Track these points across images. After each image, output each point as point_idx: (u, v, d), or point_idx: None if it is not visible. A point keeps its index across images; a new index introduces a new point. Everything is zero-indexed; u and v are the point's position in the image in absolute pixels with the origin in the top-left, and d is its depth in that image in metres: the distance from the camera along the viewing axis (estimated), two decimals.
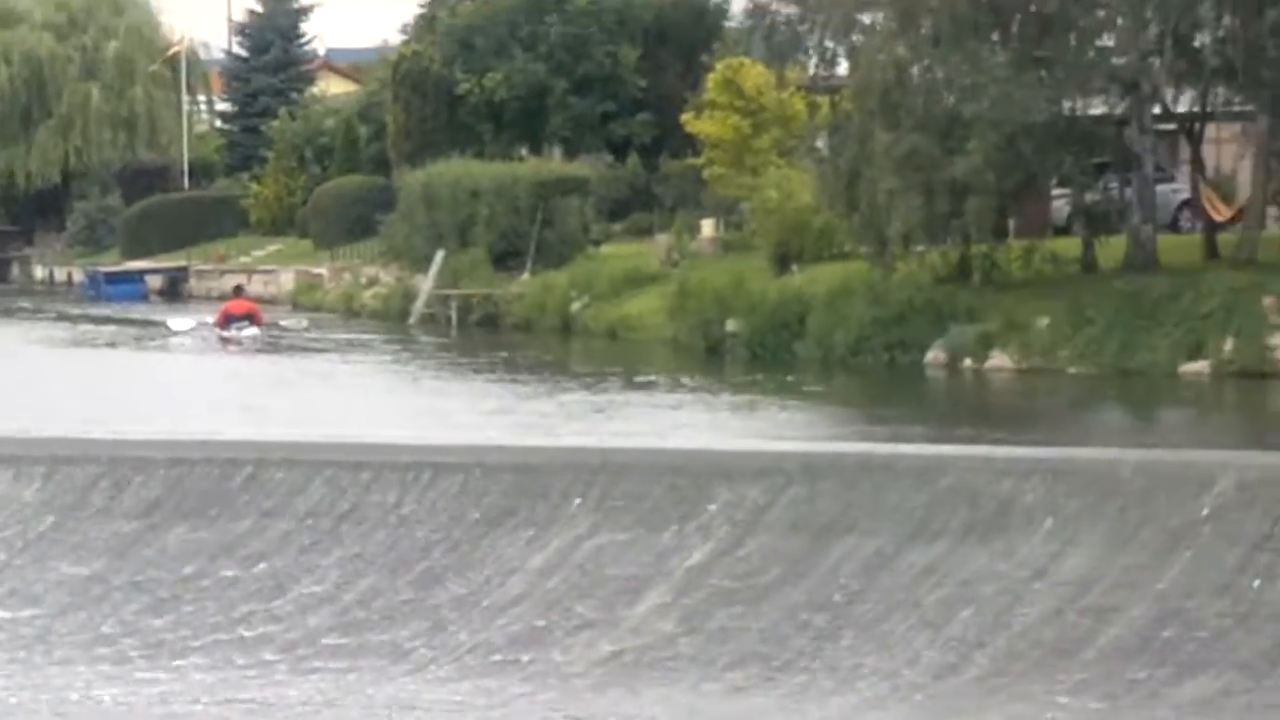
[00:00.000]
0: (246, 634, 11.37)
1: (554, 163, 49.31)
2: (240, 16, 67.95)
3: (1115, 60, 33.07)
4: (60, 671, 11.31)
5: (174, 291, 55.53)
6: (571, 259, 42.59)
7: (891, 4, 33.48)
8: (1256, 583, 9.76)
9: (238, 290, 46.51)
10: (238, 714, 10.73)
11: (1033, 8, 32.94)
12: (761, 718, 9.96)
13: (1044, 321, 31.16)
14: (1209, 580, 9.94)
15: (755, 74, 42.02)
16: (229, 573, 11.72)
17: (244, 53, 66.81)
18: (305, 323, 46.77)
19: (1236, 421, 28.77)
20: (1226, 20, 32.29)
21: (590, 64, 50.67)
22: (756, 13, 37.58)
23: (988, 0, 31.93)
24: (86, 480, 12.93)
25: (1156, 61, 32.85)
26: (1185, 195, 36.45)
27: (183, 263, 56.81)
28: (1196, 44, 32.80)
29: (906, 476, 11.75)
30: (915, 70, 32.96)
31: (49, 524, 12.44)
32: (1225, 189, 36.20)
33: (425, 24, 54.83)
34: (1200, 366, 29.46)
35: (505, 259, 43.29)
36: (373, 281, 49.16)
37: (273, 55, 65.33)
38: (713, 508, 11.25)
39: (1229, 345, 29.32)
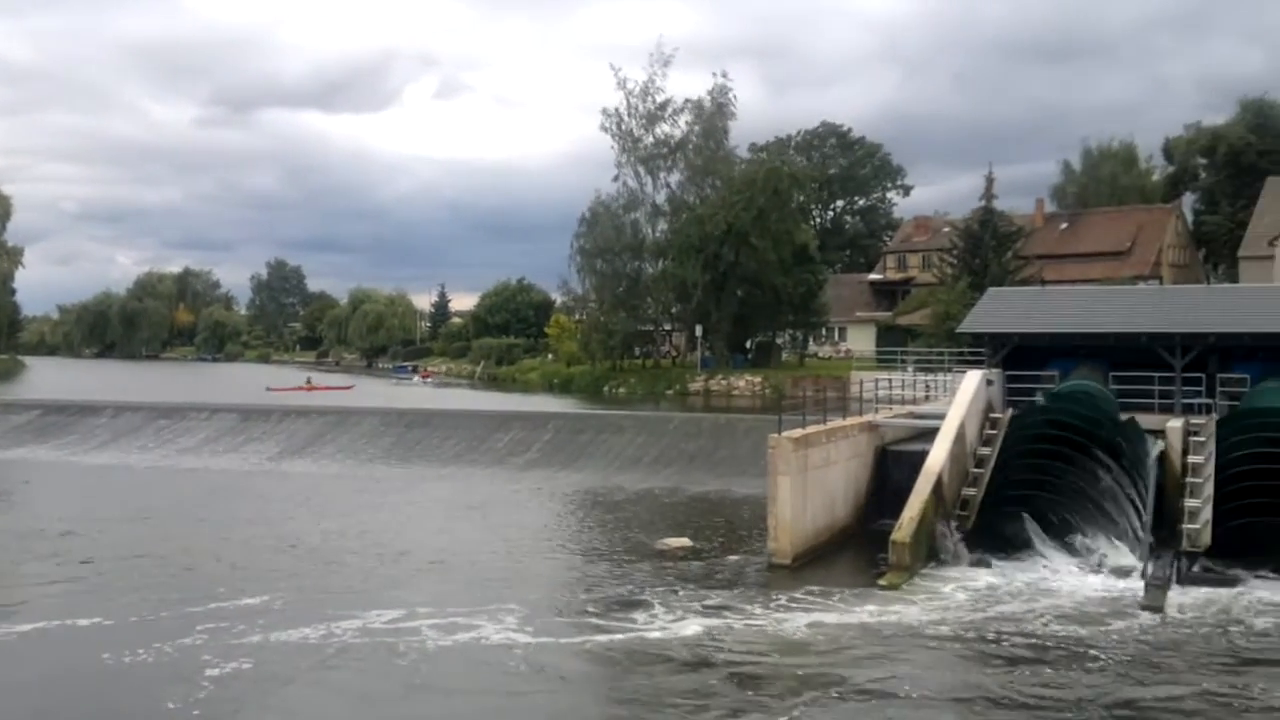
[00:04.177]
0: (479, 460, 35.18)
1: (509, 339, 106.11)
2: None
3: (654, 315, 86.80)
4: (374, 466, 35.73)
5: (413, 370, 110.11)
6: (516, 363, 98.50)
7: (594, 295, 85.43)
8: (641, 440, 34.50)
9: (427, 371, 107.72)
10: (488, 487, 30.36)
11: (631, 305, 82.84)
12: (553, 477, 32.56)
13: (633, 380, 76.62)
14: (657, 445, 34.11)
15: (562, 319, 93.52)
16: (429, 443, 37.12)
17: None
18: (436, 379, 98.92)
19: (676, 406, 58.19)
20: (677, 308, 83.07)
21: (520, 323, 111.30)
22: (560, 306, 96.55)
23: (620, 295, 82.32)
24: (381, 421, 41.04)
25: (666, 313, 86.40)
26: (667, 349, 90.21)
27: (417, 363, 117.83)
28: (675, 311, 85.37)
29: (593, 420, 39.32)
30: (600, 315, 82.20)
31: (372, 433, 39.84)
32: (680, 350, 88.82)
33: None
34: (673, 391, 69.95)
35: (500, 364, 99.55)
36: (465, 369, 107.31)
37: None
38: (549, 425, 37.16)
39: (677, 386, 71.30)
